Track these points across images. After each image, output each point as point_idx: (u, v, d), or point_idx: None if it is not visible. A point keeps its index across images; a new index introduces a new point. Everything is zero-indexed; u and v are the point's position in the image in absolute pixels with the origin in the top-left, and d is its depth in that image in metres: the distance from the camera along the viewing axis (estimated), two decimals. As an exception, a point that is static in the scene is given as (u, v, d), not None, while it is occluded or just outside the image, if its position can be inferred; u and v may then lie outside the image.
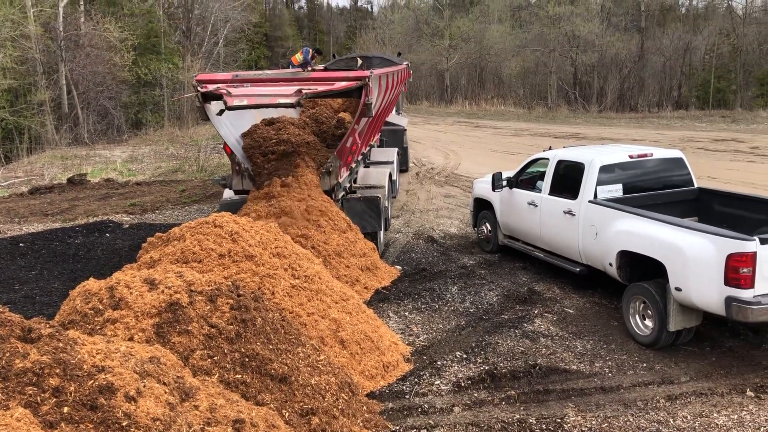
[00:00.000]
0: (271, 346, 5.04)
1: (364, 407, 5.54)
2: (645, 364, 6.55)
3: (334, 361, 5.80)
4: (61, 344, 3.64)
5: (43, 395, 3.34)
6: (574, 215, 8.26)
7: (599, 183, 8.21)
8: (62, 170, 19.71)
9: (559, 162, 8.91)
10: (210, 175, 17.51)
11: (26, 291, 9.03)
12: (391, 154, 14.15)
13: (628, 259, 7.34)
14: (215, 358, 4.70)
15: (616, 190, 8.30)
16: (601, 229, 7.74)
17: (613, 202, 7.87)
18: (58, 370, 3.45)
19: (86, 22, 30.61)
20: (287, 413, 4.75)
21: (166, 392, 3.75)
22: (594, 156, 8.43)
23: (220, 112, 9.06)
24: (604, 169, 8.27)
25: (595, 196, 8.14)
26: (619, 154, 8.65)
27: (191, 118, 31.83)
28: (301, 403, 4.88)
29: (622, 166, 8.52)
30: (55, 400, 3.36)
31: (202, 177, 17.87)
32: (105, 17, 30.16)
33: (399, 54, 21.45)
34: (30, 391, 3.33)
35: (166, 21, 37.47)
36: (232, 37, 42.77)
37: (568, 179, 8.65)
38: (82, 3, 31.65)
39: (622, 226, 7.38)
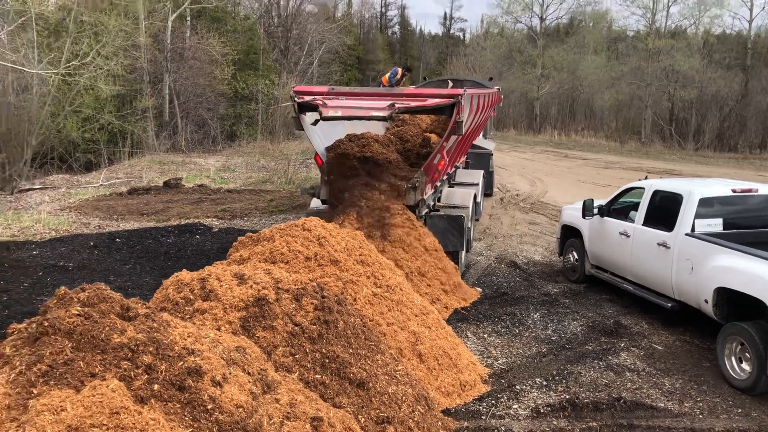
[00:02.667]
0: (351, 350, 5.04)
1: (439, 423, 5.44)
2: (740, 410, 6.15)
3: (411, 373, 5.74)
4: (155, 324, 3.77)
5: (136, 371, 3.45)
6: (668, 248, 7.92)
7: (698, 216, 7.84)
8: (159, 174, 20.64)
9: (656, 192, 8.59)
10: (297, 188, 17.90)
11: (120, 283, 9.44)
12: (477, 176, 14.04)
13: (726, 297, 6.95)
14: (297, 356, 4.74)
15: (715, 225, 7.90)
16: (698, 264, 7.37)
17: (713, 237, 7.49)
18: (151, 348, 3.57)
19: (191, 36, 32.16)
20: (363, 419, 4.72)
21: (249, 382, 3.81)
22: (694, 188, 8.09)
23: (315, 122, 9.26)
24: (704, 201, 7.90)
25: (693, 229, 7.77)
26: (721, 187, 8.27)
27: (283, 133, 32.74)
28: (378, 411, 4.85)
29: (724, 200, 8.12)
30: (146, 376, 3.47)
31: (290, 188, 18.29)
32: (209, 32, 31.60)
33: (491, 79, 21.36)
34: (125, 366, 3.45)
35: (266, 39, 38.90)
36: (327, 57, 43.88)
37: (664, 210, 8.31)
38: (188, 18, 33.31)
39: (722, 262, 7.00)
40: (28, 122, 22.63)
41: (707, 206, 7.93)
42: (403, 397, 5.14)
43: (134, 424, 3.15)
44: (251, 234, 7.10)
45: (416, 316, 6.62)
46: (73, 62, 21.67)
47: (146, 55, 28.11)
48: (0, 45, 20.31)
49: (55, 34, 24.51)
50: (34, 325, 3.60)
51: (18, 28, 21.59)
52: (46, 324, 3.55)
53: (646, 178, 9.73)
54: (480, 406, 6.03)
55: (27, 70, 21.05)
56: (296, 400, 4.07)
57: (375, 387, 4.96)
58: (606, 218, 9.36)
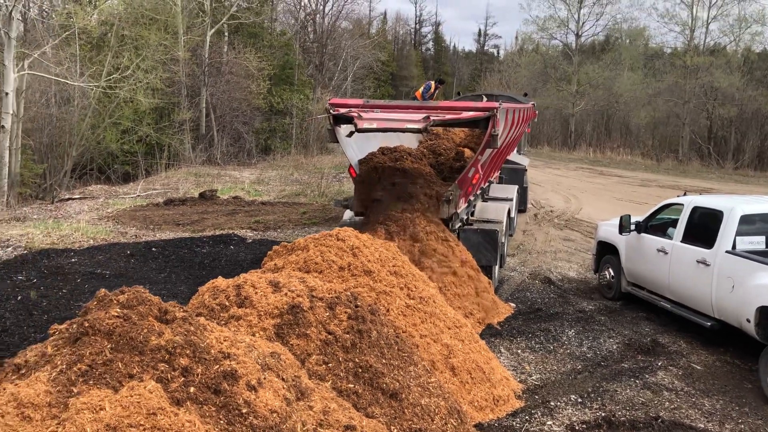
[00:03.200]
0: (384, 361, 5.02)
1: (472, 437, 5.37)
2: (784, 432, 5.96)
3: (444, 386, 5.69)
4: (192, 328, 3.80)
5: (173, 373, 3.48)
6: (708, 265, 7.74)
7: (739, 233, 7.66)
8: (195, 186, 20.94)
9: (695, 209, 8.42)
10: (330, 201, 18.00)
11: (155, 291, 9.55)
12: (511, 191, 13.95)
13: (769, 316, 6.77)
14: (330, 364, 4.74)
15: (758, 242, 7.72)
16: (740, 282, 7.19)
17: (755, 254, 7.31)
18: (188, 351, 3.60)
19: (229, 51, 32.73)
20: (395, 430, 4.68)
21: (284, 387, 3.81)
22: (735, 204, 7.91)
23: (350, 134, 9.31)
24: (745, 219, 7.73)
25: (734, 246, 7.60)
26: (763, 204, 8.07)
27: (316, 147, 33.05)
28: (410, 422, 4.80)
29: (766, 217, 7.92)
30: (183, 379, 3.49)
31: (322, 201, 18.39)
32: (246, 47, 32.12)
33: (525, 94, 21.27)
34: (162, 368, 3.48)
35: (301, 54, 39.39)
36: (361, 73, 44.25)
37: (703, 227, 8.14)
38: (226, 33, 33.92)
39: (765, 280, 6.82)
40: (69, 134, 23.24)
41: (749, 223, 7.75)
42: (436, 410, 5.09)
43: (170, 425, 3.17)
44: (286, 243, 7.14)
45: (449, 328, 6.56)
46: (114, 75, 22.20)
47: (184, 69, 28.67)
48: (45, 58, 20.90)
49: (97, 48, 25.19)
50: (74, 326, 3.66)
51: (62, 42, 22.22)
52: (87, 325, 3.61)
53: (684, 194, 9.55)
54: (513, 421, 5.94)
55: (70, 82, 21.63)
56: (329, 408, 4.05)
57: (408, 398, 4.92)
58: (643, 235, 9.20)
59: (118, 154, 26.40)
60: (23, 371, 3.54)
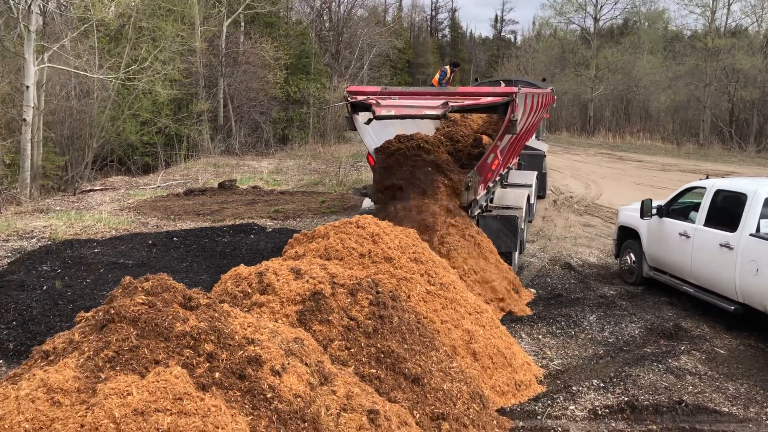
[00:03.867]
0: (405, 346, 5.04)
1: (494, 422, 5.38)
2: (810, 416, 5.89)
3: (465, 371, 5.70)
4: (216, 314, 3.84)
5: (198, 359, 3.52)
6: (731, 249, 7.66)
7: (763, 216, 7.57)
8: (214, 176, 21.06)
9: (718, 192, 8.33)
10: (348, 189, 18.02)
11: (177, 279, 9.45)
12: (531, 177, 13.86)
13: (795, 300, 6.69)
14: (352, 350, 4.76)
15: (782, 225, 7.61)
16: (764, 265, 7.11)
17: (780, 237, 7.22)
18: (213, 337, 3.64)
19: (245, 41, 32.76)
20: (418, 414, 4.71)
21: (307, 372, 3.84)
22: (759, 187, 7.80)
23: (368, 122, 9.29)
24: (770, 201, 7.62)
25: (758, 229, 7.50)
26: (788, 186, 7.94)
27: (333, 136, 33.05)
28: (432, 407, 4.82)
29: (791, 200, 7.80)
30: (208, 364, 3.53)
31: (340, 191, 18.42)
32: (262, 37, 32.13)
33: (543, 79, 21.10)
34: (187, 353, 3.52)
35: (317, 43, 39.31)
36: (377, 61, 44.09)
37: (726, 210, 8.05)
38: (242, 23, 33.94)
39: (790, 263, 6.73)
40: (89, 126, 23.43)
41: (773, 206, 7.64)
42: (458, 395, 5.11)
43: (196, 410, 3.22)
44: (306, 232, 7.17)
45: (470, 314, 6.56)
46: (132, 67, 22.32)
47: (202, 59, 28.76)
48: (64, 51, 21.07)
49: (115, 40, 25.34)
50: (101, 313, 3.72)
51: (80, 35, 22.39)
52: (113, 312, 3.66)
53: (707, 177, 9.44)
54: (535, 406, 5.94)
55: (89, 75, 21.80)
56: (353, 392, 4.08)
57: (430, 383, 4.94)
58: (665, 219, 9.11)
59: (137, 146, 26.59)
60: (51, 358, 3.61)
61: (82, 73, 21.55)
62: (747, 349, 7.47)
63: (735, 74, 38.48)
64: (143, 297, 3.77)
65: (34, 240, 11.62)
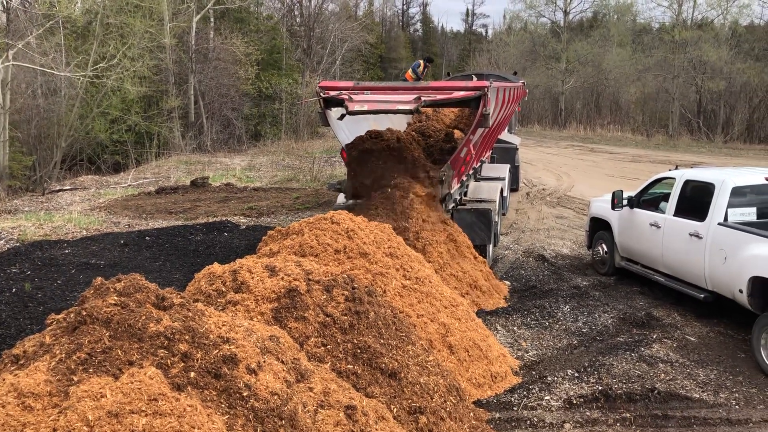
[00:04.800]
0: (382, 341, 5.05)
1: (471, 414, 5.42)
2: (778, 400, 6.04)
3: (442, 364, 5.73)
4: (190, 314, 3.80)
5: (172, 359, 3.49)
6: (700, 238, 7.80)
7: (731, 205, 7.71)
8: (186, 174, 20.85)
9: (687, 182, 8.46)
10: (322, 185, 17.97)
11: (150, 279, 9.35)
12: (503, 170, 13.96)
13: (761, 286, 6.83)
14: (328, 346, 4.76)
15: (749, 214, 7.77)
16: (732, 254, 7.25)
17: (746, 226, 7.36)
18: (187, 337, 3.60)
19: (215, 37, 32.43)
20: (395, 409, 4.72)
21: (283, 370, 3.83)
22: (726, 176, 7.95)
23: (341, 117, 9.27)
24: (736, 191, 7.77)
25: (726, 218, 7.65)
26: (754, 176, 8.11)
27: (307, 132, 32.90)
28: (410, 401, 4.84)
29: (758, 189, 7.98)
30: (183, 364, 3.50)
31: (315, 186, 18.36)
32: (232, 32, 31.83)
33: (515, 73, 21.20)
34: (161, 354, 3.49)
35: (289, 38, 39.08)
36: (349, 56, 43.95)
37: (695, 200, 8.19)
38: (212, 19, 33.58)
39: (756, 251, 6.88)
40: (57, 125, 23.02)
41: (740, 195, 7.80)
42: (435, 388, 5.13)
43: (172, 410, 3.19)
44: (280, 228, 7.14)
45: (446, 308, 6.60)
46: (100, 64, 21.98)
47: (171, 56, 28.39)
48: (29, 49, 20.66)
49: (82, 37, 24.91)
50: (72, 315, 3.66)
51: (46, 32, 21.95)
52: (84, 313, 3.61)
53: (676, 168, 9.59)
54: (511, 397, 5.99)
55: (56, 72, 21.40)
56: (330, 389, 4.08)
57: (407, 377, 4.96)
58: (636, 209, 9.24)
59: (107, 144, 26.20)
60: (22, 362, 3.54)
61: (48, 71, 21.16)
62: (717, 336, 7.62)
63: (702, 66, 39.09)
64: (115, 298, 3.72)
65: (2, 242, 11.40)
